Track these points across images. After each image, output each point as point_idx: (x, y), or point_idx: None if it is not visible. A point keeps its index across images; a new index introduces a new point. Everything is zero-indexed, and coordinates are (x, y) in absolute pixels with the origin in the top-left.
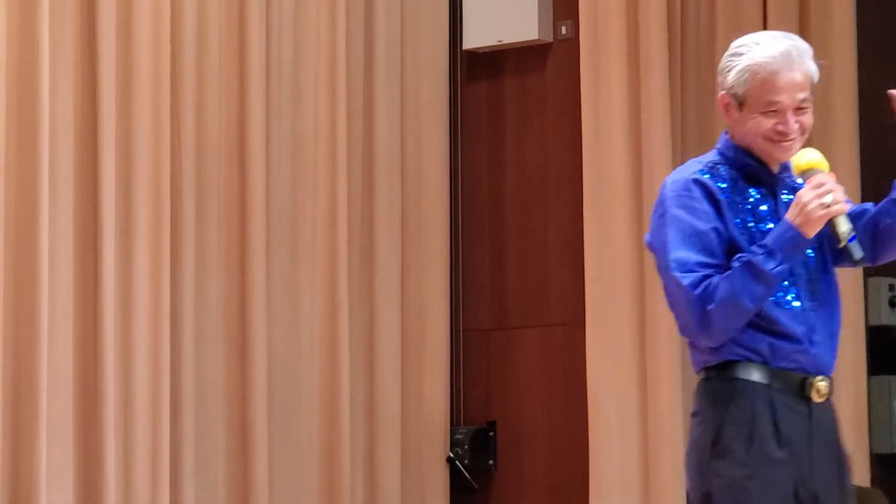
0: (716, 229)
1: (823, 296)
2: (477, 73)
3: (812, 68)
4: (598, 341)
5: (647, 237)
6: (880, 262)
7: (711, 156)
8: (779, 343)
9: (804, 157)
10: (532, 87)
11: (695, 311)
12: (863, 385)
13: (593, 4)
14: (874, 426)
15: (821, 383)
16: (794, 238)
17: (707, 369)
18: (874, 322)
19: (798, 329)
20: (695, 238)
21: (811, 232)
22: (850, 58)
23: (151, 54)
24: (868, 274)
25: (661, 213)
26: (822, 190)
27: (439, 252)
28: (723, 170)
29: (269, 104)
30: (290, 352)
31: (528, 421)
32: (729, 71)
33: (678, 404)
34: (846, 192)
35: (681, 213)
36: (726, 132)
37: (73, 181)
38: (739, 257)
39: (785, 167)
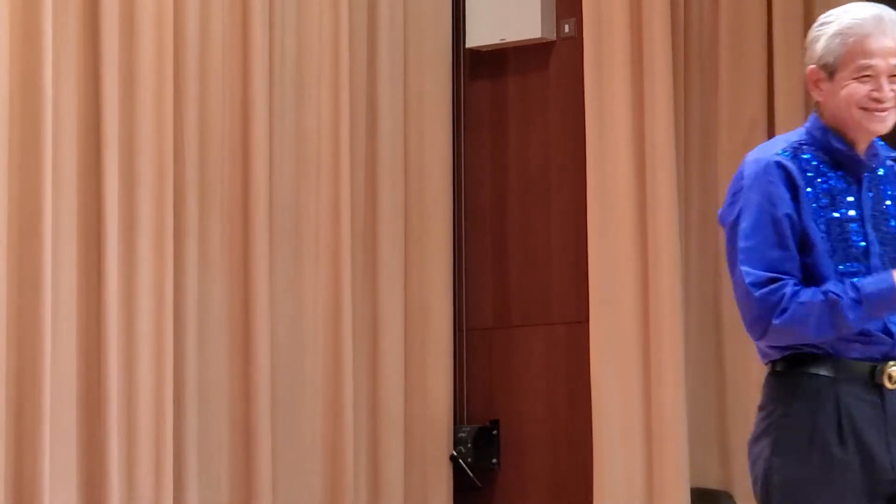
0: (789, 216)
1: None
2: (480, 71)
3: None
4: (602, 339)
5: (720, 212)
6: None
7: (798, 135)
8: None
9: None
10: (535, 86)
11: (752, 312)
12: None
13: (597, 3)
14: None
15: (892, 368)
16: (893, 299)
17: (773, 362)
18: None
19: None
20: (768, 227)
21: None
22: None
23: (155, 52)
24: None
25: (736, 191)
26: None
27: (442, 250)
28: (807, 152)
29: (273, 102)
30: (294, 350)
31: (532, 419)
32: (817, 41)
33: (682, 402)
34: None
35: (757, 196)
36: (815, 112)
37: (77, 179)
38: (827, 291)
39: (873, 152)
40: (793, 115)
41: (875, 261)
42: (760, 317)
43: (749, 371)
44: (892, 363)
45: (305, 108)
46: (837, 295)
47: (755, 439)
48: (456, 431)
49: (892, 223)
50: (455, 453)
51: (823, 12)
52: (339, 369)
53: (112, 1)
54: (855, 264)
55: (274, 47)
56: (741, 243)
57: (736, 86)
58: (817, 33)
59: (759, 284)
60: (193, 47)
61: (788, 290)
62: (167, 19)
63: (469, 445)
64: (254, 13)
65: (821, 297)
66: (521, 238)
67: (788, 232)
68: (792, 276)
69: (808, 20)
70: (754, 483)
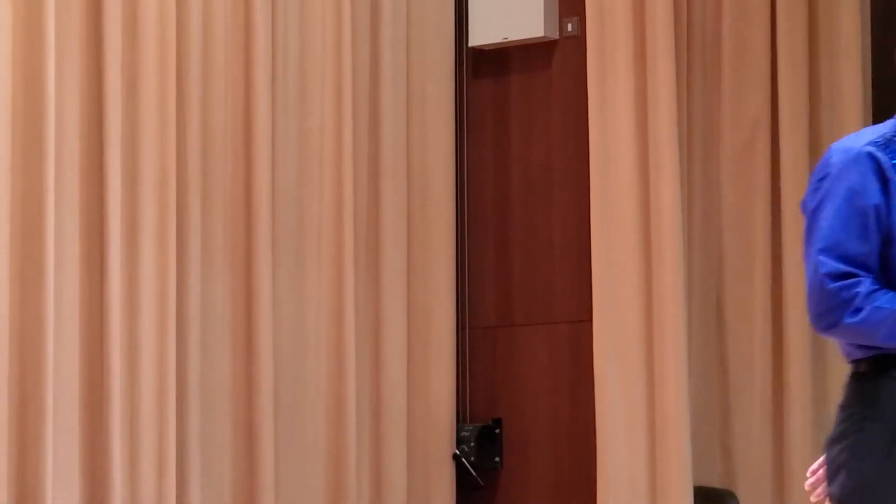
0: (877, 207)
1: None
2: (483, 70)
3: None
4: (605, 338)
5: (803, 198)
6: None
7: (888, 128)
8: None
9: None
10: (538, 85)
11: (822, 304)
12: None
13: (599, 2)
14: None
15: None
16: None
17: (857, 362)
18: None
19: None
20: (852, 218)
21: None
22: (857, 55)
23: (157, 51)
24: None
25: (822, 177)
26: None
27: (445, 249)
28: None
29: (275, 102)
30: (296, 350)
31: (535, 418)
32: None
33: (685, 401)
34: None
35: (845, 185)
36: None
37: (79, 179)
38: None
39: None
40: (796, 114)
41: None
42: (830, 310)
43: (752, 370)
44: None
45: (308, 107)
46: None
47: (834, 440)
48: (458, 430)
49: None
50: (458, 452)
51: (826, 12)
52: (341, 368)
53: (115, 0)
54: None
55: (276, 46)
56: (821, 231)
57: (739, 85)
58: None
59: (834, 276)
60: (196, 47)
61: (863, 288)
62: (170, 18)
63: (472, 444)
64: (256, 12)
65: (887, 307)
66: (524, 237)
67: (873, 225)
68: (869, 272)
69: (812, 19)
70: (829, 483)
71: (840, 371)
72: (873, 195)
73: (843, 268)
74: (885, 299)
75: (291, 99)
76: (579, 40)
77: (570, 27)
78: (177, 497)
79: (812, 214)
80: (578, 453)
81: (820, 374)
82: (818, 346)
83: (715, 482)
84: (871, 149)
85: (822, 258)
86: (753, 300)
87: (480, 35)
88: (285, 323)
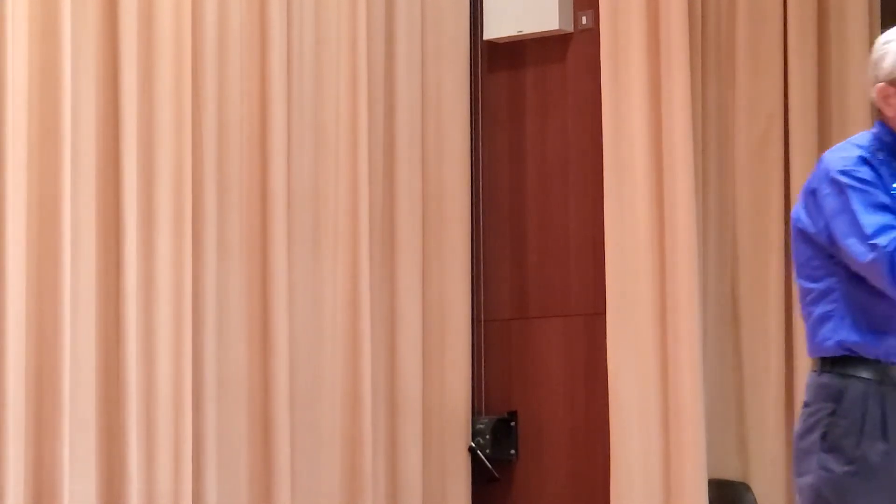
0: (893, 204)
1: None
2: (498, 63)
3: None
4: (619, 331)
5: (796, 213)
6: None
7: (866, 139)
8: (894, 340)
9: None
10: (553, 78)
11: (886, 262)
12: None
13: None
14: None
15: None
16: None
17: (822, 360)
18: None
19: None
20: (880, 208)
21: None
22: (866, 48)
23: (173, 45)
24: None
25: (829, 186)
26: None
27: (460, 242)
28: (881, 155)
29: (291, 95)
30: (312, 342)
31: (550, 410)
32: (884, 59)
33: (699, 393)
34: None
35: (860, 185)
36: (881, 122)
37: (96, 172)
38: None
39: None
40: (808, 107)
41: None
42: (889, 262)
43: (767, 361)
44: None
45: (323, 100)
46: None
47: (802, 434)
48: (474, 423)
49: None
50: (473, 445)
51: (838, 4)
52: (357, 361)
53: None
54: None
55: (292, 39)
56: (861, 221)
57: (753, 77)
58: (882, 52)
59: (880, 233)
60: (211, 40)
61: None
62: (185, 12)
63: (487, 437)
64: (272, 6)
65: None
66: (539, 229)
67: (888, 204)
68: None
69: (823, 12)
70: (800, 476)
71: None
72: (884, 195)
73: (886, 228)
74: None
75: (307, 92)
76: (594, 33)
77: (584, 20)
78: (193, 488)
79: (838, 217)
80: (593, 445)
81: None
82: None
83: (730, 474)
84: (865, 154)
85: (867, 232)
86: (767, 293)
87: (495, 28)
88: (301, 315)
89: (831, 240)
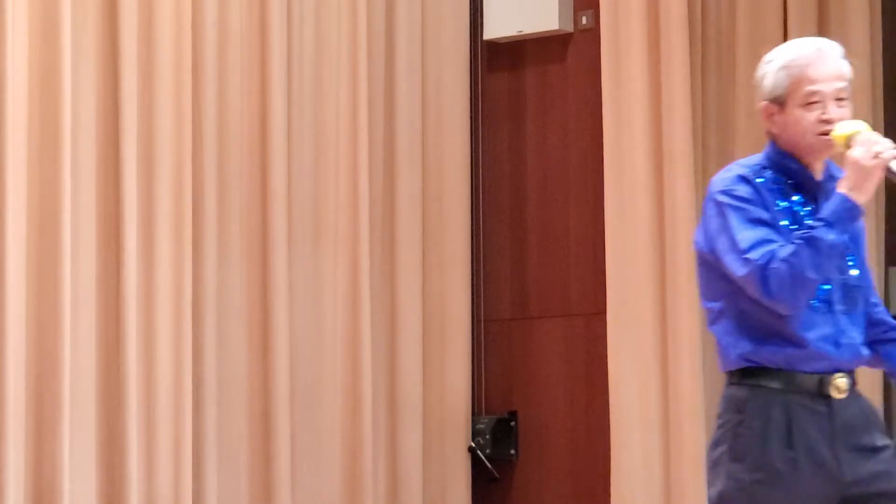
0: (773, 220)
1: (855, 299)
2: (498, 63)
3: (845, 65)
4: (620, 331)
5: (695, 237)
6: None
7: (756, 159)
8: (796, 349)
9: (847, 127)
10: (553, 78)
11: (760, 276)
12: (879, 377)
13: None
14: (892, 419)
15: (840, 380)
16: (850, 209)
17: (730, 373)
18: (894, 312)
19: (820, 333)
20: (756, 223)
21: (868, 189)
22: (866, 49)
23: (173, 45)
24: (889, 263)
25: (712, 208)
26: (872, 144)
27: (460, 242)
28: (768, 174)
29: (291, 96)
30: (312, 342)
31: (550, 411)
32: (764, 78)
33: (699, 393)
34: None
35: (737, 203)
36: (772, 141)
37: (96, 173)
38: (798, 234)
39: (828, 174)
40: None
41: (834, 273)
42: (760, 274)
43: None
44: (838, 375)
45: (324, 101)
46: (808, 232)
47: (713, 446)
48: (474, 423)
49: (851, 244)
50: (473, 445)
51: (838, 3)
52: (357, 361)
53: None
54: None
55: (292, 40)
56: (737, 236)
57: (753, 77)
58: (763, 71)
59: (754, 247)
60: (212, 41)
61: (776, 248)
62: (185, 13)
63: (487, 437)
64: (272, 6)
65: (797, 240)
66: (539, 229)
67: (775, 229)
68: (776, 241)
69: (823, 10)
70: (709, 486)
71: None
72: (763, 210)
73: (758, 245)
74: (786, 249)
75: (307, 92)
76: (594, 33)
77: (584, 20)
78: (193, 488)
79: (718, 235)
80: (593, 445)
81: None
82: None
83: None
84: (745, 173)
85: (741, 247)
86: None
87: (495, 28)
88: (301, 315)
89: (717, 258)
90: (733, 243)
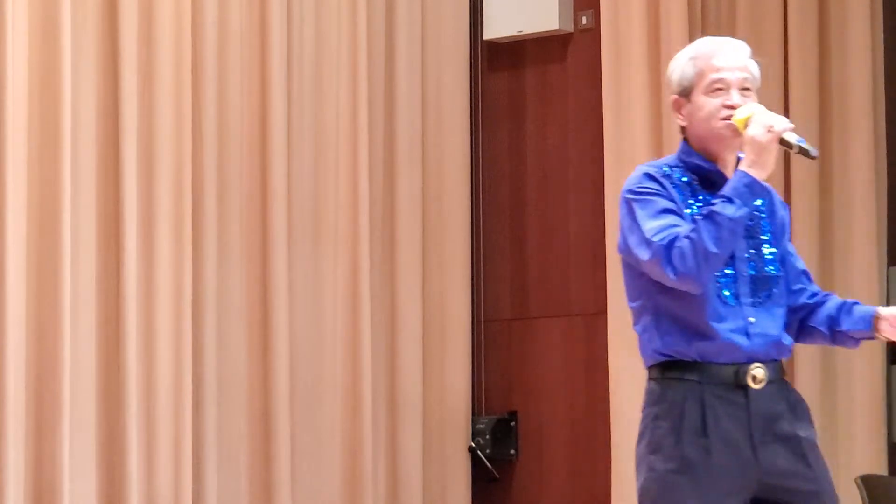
0: (679, 210)
1: (769, 290)
2: (498, 63)
3: (752, 63)
4: (620, 331)
5: (618, 241)
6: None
7: (666, 159)
8: (709, 342)
9: (745, 111)
10: (553, 78)
11: (664, 256)
12: (880, 375)
13: None
14: (893, 415)
15: (756, 370)
16: (749, 184)
17: (650, 368)
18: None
19: (731, 325)
20: (662, 212)
21: (768, 163)
22: (867, 48)
23: (173, 45)
24: (889, 263)
25: (623, 208)
26: (765, 120)
27: (460, 242)
28: (678, 172)
29: (291, 96)
30: (312, 342)
31: (550, 410)
32: (672, 73)
33: None
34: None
35: (642, 198)
36: (683, 140)
37: (96, 172)
38: (698, 215)
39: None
40: (809, 107)
41: (741, 265)
42: (665, 254)
43: None
44: (756, 365)
45: (324, 101)
46: (709, 208)
47: (638, 440)
48: (474, 423)
49: (763, 235)
50: (473, 445)
51: (839, 3)
52: (357, 361)
53: None
54: (723, 268)
55: (292, 40)
56: (644, 227)
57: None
58: (671, 69)
59: (658, 232)
60: (212, 41)
61: (678, 230)
62: (185, 13)
63: (487, 437)
64: (272, 6)
65: (698, 218)
66: (539, 229)
67: (682, 216)
68: (680, 225)
69: (823, 10)
70: (636, 479)
71: (846, 363)
72: (670, 200)
73: (663, 229)
74: (687, 228)
75: (307, 92)
76: (594, 33)
77: (584, 20)
78: (193, 488)
79: (629, 230)
80: (594, 445)
81: (829, 365)
82: None
83: None
84: (651, 170)
85: (648, 237)
86: None
87: (495, 28)
88: (301, 316)
89: (631, 254)
90: (641, 235)
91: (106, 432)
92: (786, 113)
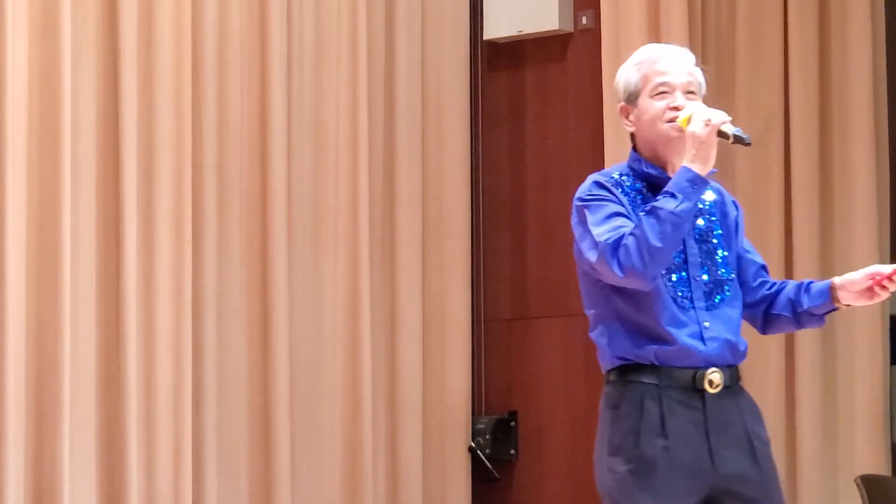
0: (629, 213)
1: (722, 294)
2: (498, 63)
3: (696, 70)
4: None
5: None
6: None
7: (616, 168)
8: (667, 347)
9: (687, 111)
10: (553, 78)
11: (610, 254)
12: (881, 375)
13: None
14: (894, 415)
15: (713, 375)
16: (692, 179)
17: (607, 373)
18: (895, 311)
19: (688, 330)
20: (612, 216)
21: (709, 157)
22: (868, 49)
23: (173, 45)
24: (891, 262)
25: (574, 216)
26: (703, 114)
27: (460, 242)
28: (628, 181)
29: (291, 95)
30: (312, 342)
31: (550, 410)
32: (619, 81)
33: None
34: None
35: (593, 204)
36: (633, 148)
37: (96, 172)
38: (643, 213)
39: None
40: (809, 107)
41: (693, 270)
42: (612, 253)
43: (767, 361)
44: (712, 370)
45: (323, 100)
46: (652, 205)
47: (596, 442)
48: (474, 423)
49: (714, 239)
50: (473, 445)
51: (839, 3)
52: (357, 361)
53: None
54: (676, 273)
55: (292, 40)
56: (593, 232)
57: (753, 78)
58: (617, 77)
59: (605, 234)
60: (212, 41)
61: (624, 230)
62: (185, 12)
63: (487, 437)
64: (272, 5)
65: (642, 214)
66: (539, 229)
67: (622, 212)
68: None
69: (824, 12)
70: (596, 480)
71: (847, 363)
72: (620, 204)
73: (610, 231)
74: (632, 227)
75: (307, 92)
76: (594, 33)
77: (584, 20)
78: (193, 488)
79: (580, 237)
80: (593, 445)
81: (830, 365)
82: (828, 336)
83: None
84: (601, 178)
85: (597, 240)
86: None
87: (495, 28)
88: (301, 315)
89: (584, 260)
90: (591, 239)
91: (106, 432)
92: (786, 113)
